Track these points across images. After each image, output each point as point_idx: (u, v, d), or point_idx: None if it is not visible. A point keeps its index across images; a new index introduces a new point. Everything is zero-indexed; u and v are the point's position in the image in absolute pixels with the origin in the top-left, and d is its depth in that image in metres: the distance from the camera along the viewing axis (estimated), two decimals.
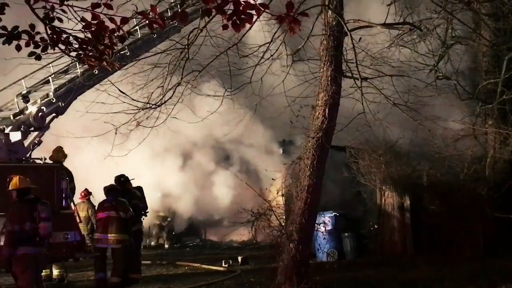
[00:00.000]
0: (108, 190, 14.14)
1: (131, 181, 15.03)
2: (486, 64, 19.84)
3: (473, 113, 19.77)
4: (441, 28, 17.79)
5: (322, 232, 18.92)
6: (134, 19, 13.28)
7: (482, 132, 19.35)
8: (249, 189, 15.30)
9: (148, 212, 15.32)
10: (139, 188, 15.23)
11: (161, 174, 24.19)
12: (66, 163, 14.73)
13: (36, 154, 14.24)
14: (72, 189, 14.59)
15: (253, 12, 5.57)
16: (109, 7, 5.92)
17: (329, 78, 13.50)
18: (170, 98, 12.97)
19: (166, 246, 22.43)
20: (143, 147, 14.22)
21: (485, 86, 19.33)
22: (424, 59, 18.09)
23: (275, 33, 12.86)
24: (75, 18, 6.05)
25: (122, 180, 14.66)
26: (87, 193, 18.21)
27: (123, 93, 12.68)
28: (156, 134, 15.10)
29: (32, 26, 6.03)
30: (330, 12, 13.40)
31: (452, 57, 18.98)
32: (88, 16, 6.01)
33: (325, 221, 19.15)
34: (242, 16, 5.56)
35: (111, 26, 6.11)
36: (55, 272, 14.96)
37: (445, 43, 18.14)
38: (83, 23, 6.02)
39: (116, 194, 14.00)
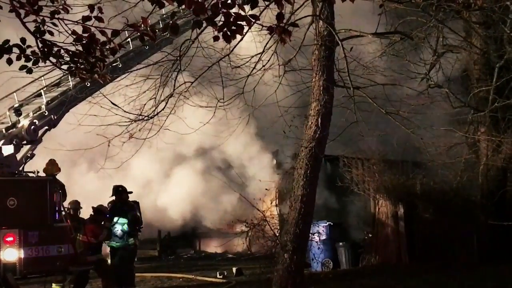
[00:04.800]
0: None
1: (128, 194, 14.99)
2: (478, 72, 19.92)
3: (465, 121, 19.83)
4: (432, 36, 17.86)
5: (317, 242, 18.90)
6: (126, 32, 13.26)
7: (474, 140, 19.40)
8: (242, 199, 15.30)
9: (142, 227, 15.28)
10: (136, 203, 15.21)
11: (153, 184, 24.14)
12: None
13: (30, 167, 14.19)
14: (74, 205, 14.68)
15: (244, 23, 5.57)
16: (100, 20, 5.93)
17: (321, 87, 13.54)
18: (163, 109, 12.98)
19: None
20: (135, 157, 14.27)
21: (477, 94, 19.40)
22: (415, 67, 18.17)
23: (266, 43, 12.90)
24: (66, 31, 6.05)
25: (119, 190, 14.66)
26: None
27: (116, 105, 12.68)
28: (149, 146, 15.12)
29: (23, 40, 6.03)
30: (321, 22, 13.46)
31: (444, 66, 19.06)
32: (79, 29, 6.01)
33: (320, 230, 19.14)
34: (233, 28, 5.57)
35: (102, 38, 6.11)
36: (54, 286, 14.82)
37: (437, 51, 18.21)
38: (74, 36, 6.02)
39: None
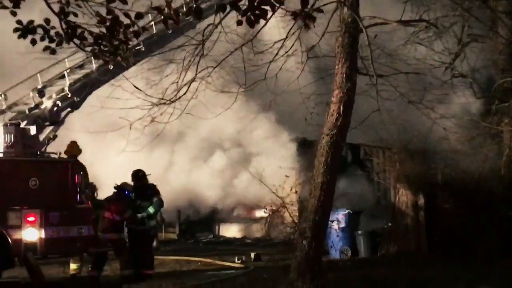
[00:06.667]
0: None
1: (147, 177, 15.04)
2: (503, 62, 19.66)
3: (489, 112, 19.62)
4: (458, 25, 17.66)
5: (336, 230, 18.86)
6: (150, 15, 13.25)
7: (497, 131, 19.20)
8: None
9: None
10: (154, 186, 15.27)
11: (173, 170, 24.24)
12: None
13: (51, 148, 14.30)
14: (87, 184, 14.68)
15: (268, 8, 5.54)
16: (124, 2, 5.93)
17: (344, 75, 13.43)
18: (185, 94, 12.98)
19: None
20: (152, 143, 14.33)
21: (501, 84, 19.16)
22: (440, 56, 17.99)
23: (290, 29, 12.82)
24: (90, 13, 6.06)
25: (140, 175, 14.68)
26: None
27: (138, 88, 12.71)
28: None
29: (47, 21, 6.05)
30: (345, 8, 13.34)
31: (468, 55, 18.85)
32: (103, 11, 6.02)
33: (339, 218, 19.10)
34: (257, 12, 5.54)
35: (126, 21, 6.11)
36: (73, 266, 14.92)
37: (461, 41, 18.02)
38: (98, 18, 6.03)
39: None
